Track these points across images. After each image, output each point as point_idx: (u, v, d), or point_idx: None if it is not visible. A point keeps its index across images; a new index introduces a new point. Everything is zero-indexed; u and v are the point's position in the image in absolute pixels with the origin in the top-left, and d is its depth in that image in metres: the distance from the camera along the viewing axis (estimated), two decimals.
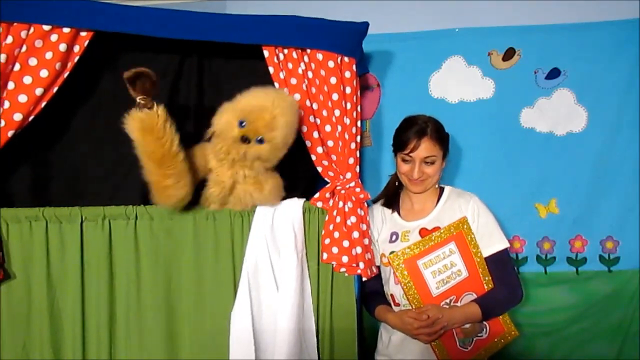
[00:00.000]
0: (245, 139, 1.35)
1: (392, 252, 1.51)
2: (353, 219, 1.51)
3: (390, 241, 1.60)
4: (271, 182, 1.46)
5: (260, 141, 1.36)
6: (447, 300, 1.50)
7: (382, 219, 1.66)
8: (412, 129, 1.54)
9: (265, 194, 1.46)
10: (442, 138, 1.56)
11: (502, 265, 1.55)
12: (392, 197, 1.68)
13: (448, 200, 1.60)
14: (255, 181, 1.45)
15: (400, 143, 1.55)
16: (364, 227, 1.53)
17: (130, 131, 1.29)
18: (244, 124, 1.34)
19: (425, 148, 1.52)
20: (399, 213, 1.64)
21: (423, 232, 1.56)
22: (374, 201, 1.71)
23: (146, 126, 1.28)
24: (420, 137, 1.52)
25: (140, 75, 1.24)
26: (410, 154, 1.53)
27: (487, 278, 1.53)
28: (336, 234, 1.50)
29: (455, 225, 1.52)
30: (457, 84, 1.98)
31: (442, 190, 1.63)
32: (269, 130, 1.35)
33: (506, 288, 1.53)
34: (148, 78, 1.25)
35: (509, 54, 1.96)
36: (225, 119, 1.37)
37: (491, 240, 1.54)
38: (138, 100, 1.27)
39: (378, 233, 1.64)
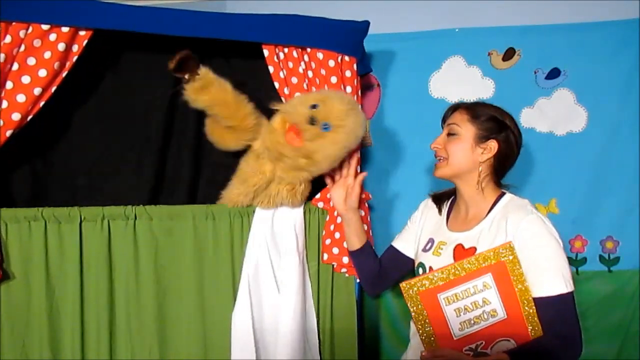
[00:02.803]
0: (313, 121, 1.34)
1: (419, 264, 1.31)
2: None
3: (424, 249, 1.35)
4: (306, 188, 1.48)
5: (326, 128, 1.34)
6: (473, 346, 1.20)
7: (425, 216, 1.43)
8: None
9: (298, 198, 1.47)
10: (480, 115, 1.27)
11: (556, 312, 1.17)
12: (445, 193, 1.42)
13: (500, 214, 1.24)
14: (289, 184, 1.44)
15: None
16: (365, 227, 1.52)
17: (195, 100, 1.38)
18: (317, 107, 1.35)
19: (452, 116, 1.31)
20: (447, 217, 1.37)
21: (458, 250, 1.26)
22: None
23: (205, 84, 1.36)
24: (455, 108, 1.33)
25: (182, 60, 1.34)
26: (442, 126, 1.36)
27: (535, 324, 1.19)
28: (337, 235, 1.50)
29: (494, 252, 1.17)
30: (457, 84, 1.97)
31: (500, 197, 1.29)
32: (339, 120, 1.35)
33: (556, 340, 1.17)
34: (188, 59, 1.34)
35: (509, 54, 1.95)
36: (298, 100, 1.41)
37: (540, 279, 1.17)
38: (186, 78, 1.37)
39: (421, 230, 1.42)
